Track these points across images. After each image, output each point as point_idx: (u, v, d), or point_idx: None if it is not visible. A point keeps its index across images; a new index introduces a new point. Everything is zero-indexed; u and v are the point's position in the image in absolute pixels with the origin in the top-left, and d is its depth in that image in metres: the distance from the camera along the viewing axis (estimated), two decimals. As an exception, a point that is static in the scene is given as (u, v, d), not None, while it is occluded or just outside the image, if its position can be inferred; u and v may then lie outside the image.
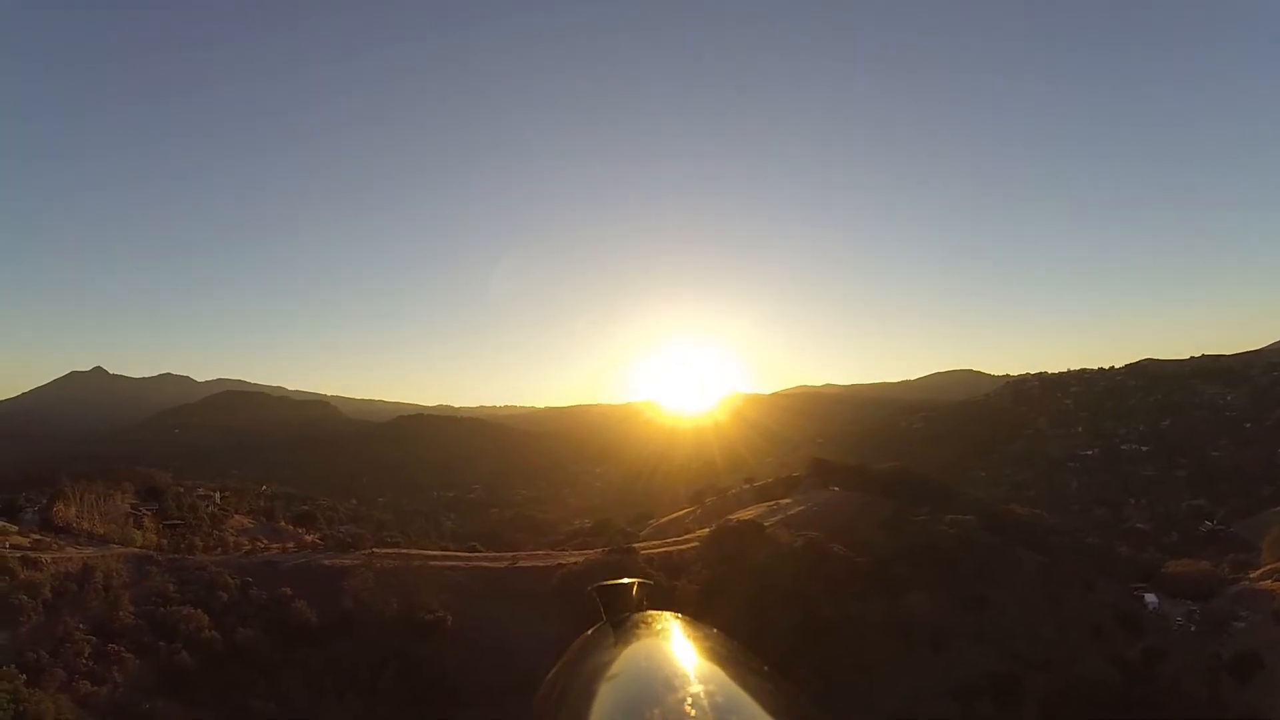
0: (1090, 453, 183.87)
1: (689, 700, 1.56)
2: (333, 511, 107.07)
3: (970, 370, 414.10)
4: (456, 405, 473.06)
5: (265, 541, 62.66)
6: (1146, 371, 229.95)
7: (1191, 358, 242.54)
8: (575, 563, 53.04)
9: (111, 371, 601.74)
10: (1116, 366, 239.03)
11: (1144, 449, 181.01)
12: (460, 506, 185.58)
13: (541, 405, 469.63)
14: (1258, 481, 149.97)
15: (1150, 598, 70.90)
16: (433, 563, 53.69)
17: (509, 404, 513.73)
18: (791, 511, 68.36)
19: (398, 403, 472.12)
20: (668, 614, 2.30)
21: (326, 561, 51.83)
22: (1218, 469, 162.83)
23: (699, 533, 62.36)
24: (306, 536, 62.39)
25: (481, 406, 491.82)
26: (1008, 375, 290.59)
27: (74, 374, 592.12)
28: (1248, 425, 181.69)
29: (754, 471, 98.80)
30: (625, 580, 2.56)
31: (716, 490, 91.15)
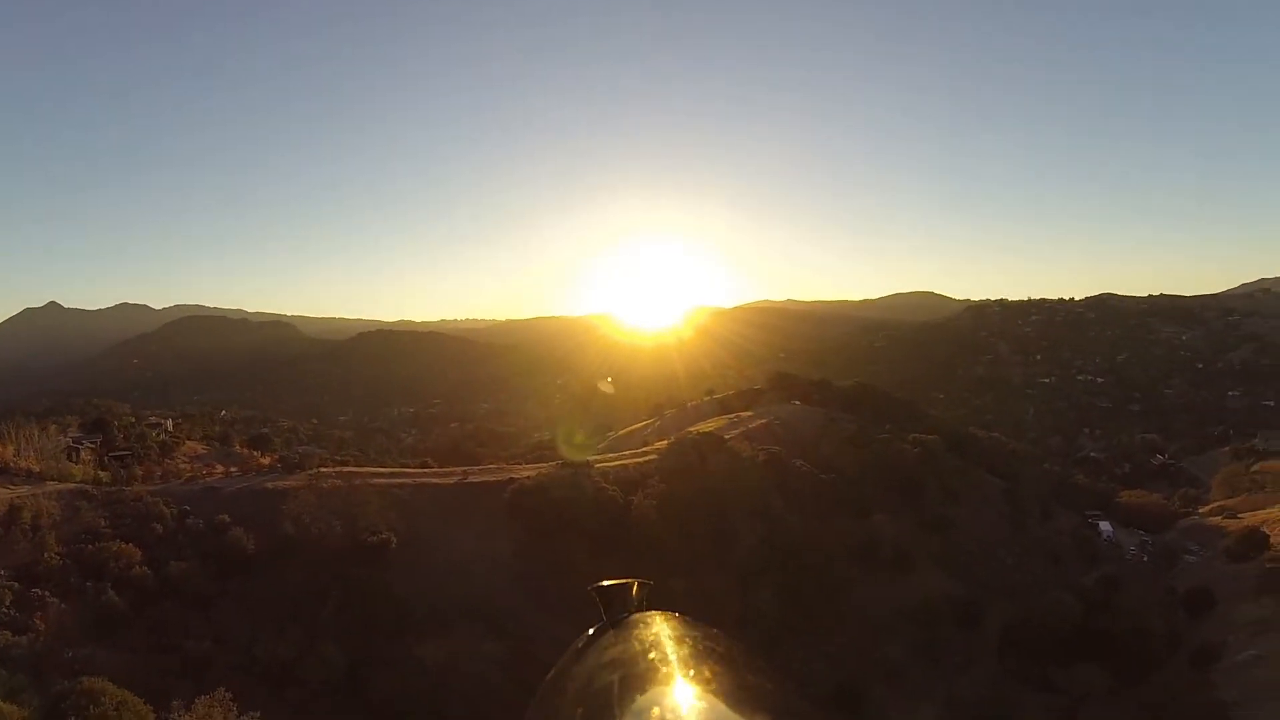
0: (1048, 381, 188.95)
1: (690, 700, 1.63)
2: (291, 433, 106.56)
3: (931, 292, 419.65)
4: (417, 320, 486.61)
5: (217, 466, 59.71)
6: (1106, 306, 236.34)
7: (1150, 296, 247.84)
8: (528, 477, 50.88)
9: (66, 306, 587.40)
10: (1076, 298, 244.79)
11: (1100, 381, 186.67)
12: (421, 421, 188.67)
13: (502, 318, 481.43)
14: (1208, 421, 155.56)
15: (1105, 526, 72.43)
16: (377, 480, 51.22)
17: (470, 317, 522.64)
18: (753, 425, 67.07)
19: (359, 319, 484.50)
20: (667, 614, 2.31)
21: (270, 484, 48.93)
22: (1170, 406, 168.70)
23: (657, 445, 60.70)
24: (262, 459, 59.55)
25: (442, 320, 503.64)
26: (968, 300, 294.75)
27: (27, 311, 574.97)
28: (1200, 366, 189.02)
29: (715, 385, 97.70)
30: (625, 580, 2.54)
31: (676, 403, 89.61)
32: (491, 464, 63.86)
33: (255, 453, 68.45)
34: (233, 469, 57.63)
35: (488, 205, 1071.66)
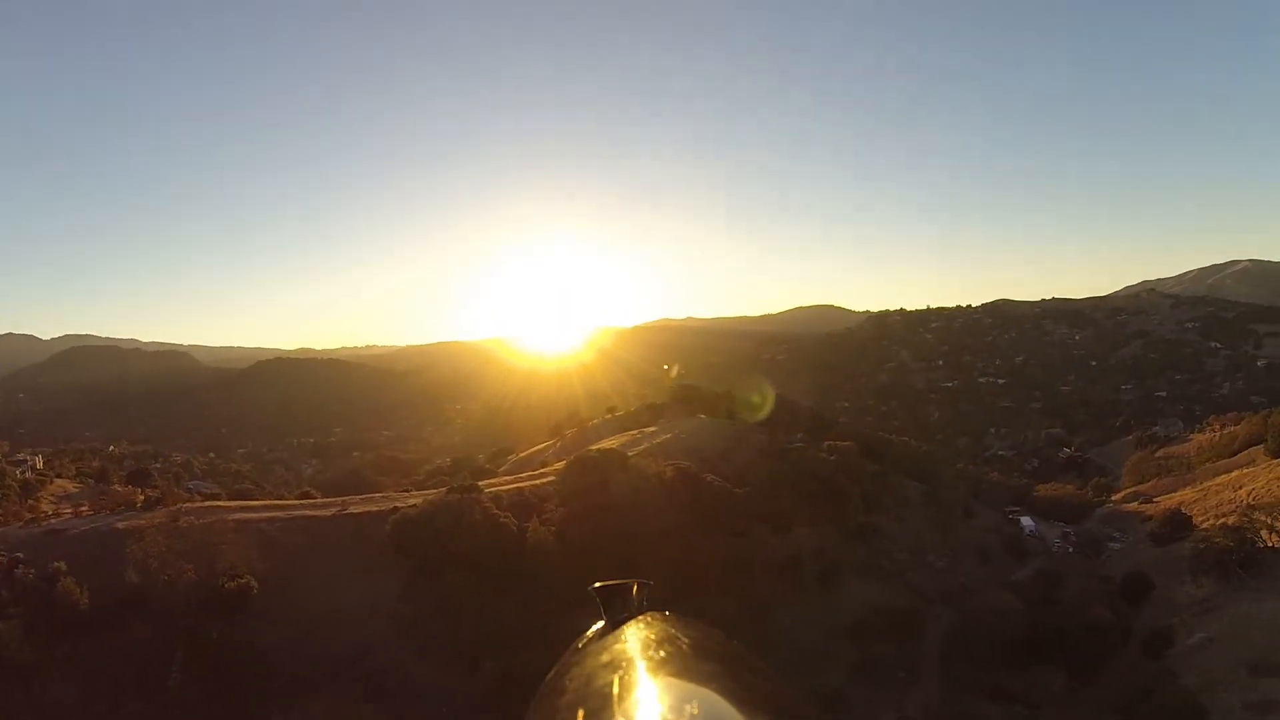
0: (951, 385, 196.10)
1: (690, 701, 1.69)
2: (184, 467, 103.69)
3: (831, 305, 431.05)
4: (318, 348, 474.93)
5: (77, 506, 52.88)
6: (1001, 311, 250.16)
7: (1042, 300, 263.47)
8: (412, 506, 46.22)
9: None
10: (974, 305, 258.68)
11: (1001, 382, 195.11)
12: (322, 451, 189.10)
13: (403, 344, 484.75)
14: (1106, 413, 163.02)
15: (1026, 521, 72.23)
16: (240, 515, 45.63)
17: (370, 344, 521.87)
18: (658, 440, 63.77)
19: (258, 348, 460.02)
20: (667, 614, 2.37)
21: (121, 524, 42.56)
22: (1068, 402, 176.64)
23: (556, 466, 56.68)
24: (141, 496, 52.99)
25: (343, 348, 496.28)
26: (868, 311, 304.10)
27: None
28: (1094, 363, 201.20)
29: (617, 404, 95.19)
30: (625, 580, 2.59)
31: (577, 421, 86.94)
32: (377, 492, 59.23)
33: (135, 490, 62.75)
34: (83, 508, 51.04)
35: (391, 228, 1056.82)
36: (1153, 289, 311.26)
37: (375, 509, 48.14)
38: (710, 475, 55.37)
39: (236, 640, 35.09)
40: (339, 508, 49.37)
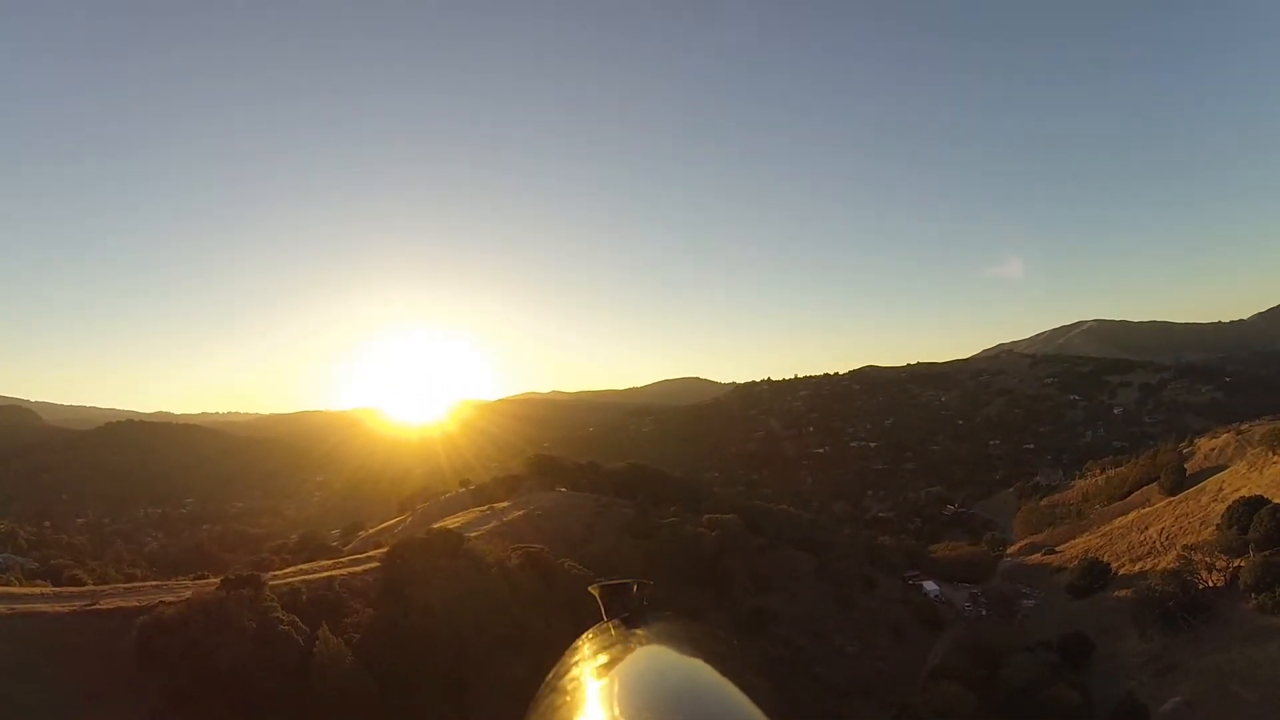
0: (822, 450, 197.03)
1: (692, 700, 1.76)
2: (8, 537, 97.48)
3: (698, 378, 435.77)
4: (177, 412, 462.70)
5: None
6: (868, 377, 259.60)
7: (908, 365, 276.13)
8: (173, 603, 34.38)
9: None
10: (841, 373, 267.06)
11: (872, 445, 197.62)
12: (169, 523, 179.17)
13: (266, 412, 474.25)
14: (979, 468, 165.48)
15: (930, 586, 66.82)
16: None
17: (232, 410, 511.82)
18: (509, 517, 54.58)
19: (112, 409, 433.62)
20: (668, 614, 2.49)
21: None
22: (940, 460, 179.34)
23: (381, 551, 46.49)
24: None
25: (203, 414, 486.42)
26: (735, 382, 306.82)
27: None
28: (961, 423, 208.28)
29: (478, 476, 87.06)
30: (626, 580, 2.70)
31: (430, 495, 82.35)
32: (150, 583, 46.43)
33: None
34: None
35: (252, 293, 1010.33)
36: (1009, 350, 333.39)
37: (136, 604, 35.89)
38: (568, 561, 46.51)
39: None
40: (87, 601, 36.86)
